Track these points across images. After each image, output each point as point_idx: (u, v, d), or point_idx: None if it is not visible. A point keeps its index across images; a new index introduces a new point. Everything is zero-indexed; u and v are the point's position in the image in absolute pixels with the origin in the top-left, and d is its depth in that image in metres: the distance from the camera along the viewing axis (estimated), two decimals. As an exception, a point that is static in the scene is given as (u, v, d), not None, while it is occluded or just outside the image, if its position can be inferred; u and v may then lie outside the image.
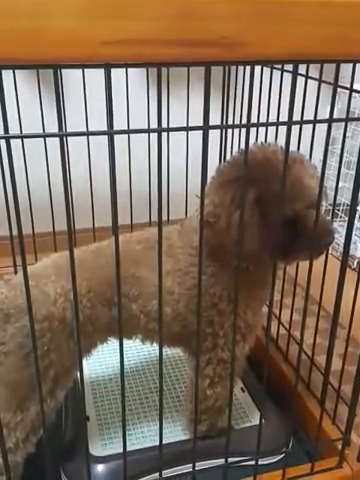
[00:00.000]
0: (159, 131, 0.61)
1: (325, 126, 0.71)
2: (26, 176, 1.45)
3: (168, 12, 0.54)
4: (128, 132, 0.64)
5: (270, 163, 0.85)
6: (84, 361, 1.01)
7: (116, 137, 0.61)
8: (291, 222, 0.85)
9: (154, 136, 0.62)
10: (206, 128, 0.63)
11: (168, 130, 0.63)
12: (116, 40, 0.53)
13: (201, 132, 0.63)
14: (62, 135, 0.58)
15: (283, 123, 0.68)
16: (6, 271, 1.64)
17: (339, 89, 0.93)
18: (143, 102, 1.37)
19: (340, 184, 1.05)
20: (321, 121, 0.75)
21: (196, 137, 0.64)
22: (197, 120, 0.65)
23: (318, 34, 0.58)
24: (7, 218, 1.28)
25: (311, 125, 1.03)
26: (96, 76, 1.10)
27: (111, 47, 0.54)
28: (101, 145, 1.34)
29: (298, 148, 1.06)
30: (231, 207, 0.83)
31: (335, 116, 0.71)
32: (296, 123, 0.69)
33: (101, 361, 1.31)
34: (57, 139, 0.58)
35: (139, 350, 1.35)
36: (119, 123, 1.49)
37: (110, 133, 0.60)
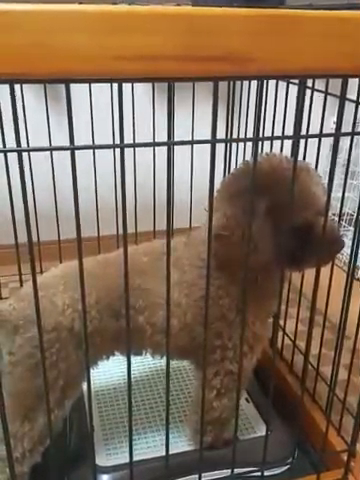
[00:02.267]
0: (169, 145, 0.62)
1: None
2: (32, 184, 1.46)
3: (179, 27, 0.54)
4: (138, 145, 0.64)
5: (277, 173, 0.86)
6: (90, 372, 1.02)
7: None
8: (300, 230, 0.85)
9: (158, 148, 0.63)
10: (214, 141, 0.63)
11: (177, 143, 0.64)
12: (128, 55, 0.54)
13: (205, 145, 0.64)
14: (72, 149, 0.59)
15: (289, 137, 0.69)
16: (11, 279, 1.65)
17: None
18: (149, 114, 1.38)
19: (346, 194, 1.06)
20: (327, 135, 0.75)
21: (199, 149, 0.65)
22: (200, 132, 0.65)
23: (328, 49, 0.59)
24: (13, 228, 1.29)
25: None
26: (100, 89, 1.12)
27: (123, 62, 0.54)
28: (101, 156, 1.36)
29: (304, 159, 1.06)
30: (244, 218, 0.83)
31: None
32: (303, 137, 0.70)
33: (106, 370, 1.31)
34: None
35: (144, 361, 1.34)
36: (125, 135, 1.52)
37: (120, 147, 0.61)
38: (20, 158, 0.58)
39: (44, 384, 0.70)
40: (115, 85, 0.58)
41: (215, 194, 0.93)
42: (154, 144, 0.65)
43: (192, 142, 0.66)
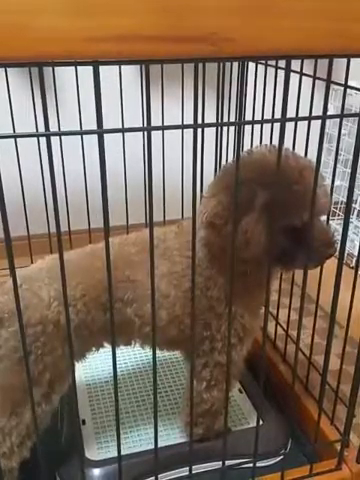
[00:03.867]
0: (149, 130, 0.60)
1: (319, 123, 0.69)
2: (20, 176, 1.44)
3: (155, 7, 0.52)
4: (119, 131, 0.62)
5: (281, 168, 0.83)
6: (79, 364, 1.00)
7: (112, 136, 0.60)
8: (296, 230, 0.83)
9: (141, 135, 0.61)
10: (196, 126, 0.61)
11: (157, 128, 0.62)
12: (102, 36, 0.52)
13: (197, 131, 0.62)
14: (48, 135, 0.57)
15: (277, 120, 0.67)
16: (3, 273, 1.63)
17: (335, 86, 0.93)
18: (138, 100, 1.36)
19: (338, 183, 1.04)
20: (315, 117, 0.73)
21: (191, 136, 0.63)
22: (191, 118, 0.63)
23: (310, 28, 0.57)
24: (2, 219, 1.27)
25: (306, 123, 1.02)
26: (90, 73, 1.09)
27: (97, 44, 0.53)
28: (96, 144, 1.34)
29: (293, 146, 1.04)
30: (240, 210, 0.80)
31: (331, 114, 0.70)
32: (290, 120, 0.67)
33: (97, 364, 1.30)
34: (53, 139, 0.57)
35: (136, 352, 1.33)
36: (115, 122, 1.48)
37: (100, 132, 0.59)
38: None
39: (27, 378, 0.69)
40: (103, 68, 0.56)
41: (214, 179, 0.91)
42: (136, 129, 0.62)
43: (175, 127, 0.64)
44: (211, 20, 0.54)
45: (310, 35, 0.58)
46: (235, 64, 1.30)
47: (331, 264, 1.03)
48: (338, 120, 0.95)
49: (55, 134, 0.60)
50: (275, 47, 0.57)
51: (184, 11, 0.53)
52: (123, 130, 0.62)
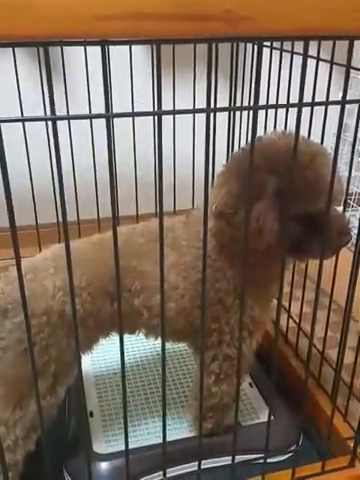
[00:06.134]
0: (159, 114, 0.57)
1: (336, 111, 0.66)
2: (28, 165, 1.41)
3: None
4: (128, 115, 0.60)
5: (291, 154, 0.80)
6: (87, 356, 0.98)
7: (121, 121, 0.57)
8: (309, 218, 0.80)
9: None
10: (209, 111, 0.58)
11: (168, 113, 0.59)
12: (112, 14, 0.49)
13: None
14: (53, 119, 0.54)
15: (293, 105, 0.64)
16: (10, 263, 1.62)
17: (353, 72, 0.89)
18: (148, 83, 1.32)
19: (352, 173, 1.00)
20: (333, 102, 0.70)
21: (203, 121, 0.60)
22: (204, 103, 0.60)
23: (332, 7, 0.53)
24: (7, 208, 1.25)
25: (323, 110, 0.99)
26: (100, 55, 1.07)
27: (107, 22, 0.50)
28: (104, 131, 1.31)
29: (309, 134, 1.01)
30: (251, 198, 0.76)
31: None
32: (306, 105, 0.64)
33: (105, 355, 1.28)
34: (62, 124, 0.55)
35: (145, 344, 1.31)
36: (125, 106, 1.45)
37: (108, 116, 0.56)
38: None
39: (32, 370, 0.66)
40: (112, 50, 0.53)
41: (222, 168, 0.88)
42: (146, 113, 0.60)
43: (187, 111, 0.60)
44: (226, -3, 0.51)
45: (330, 14, 0.54)
46: (249, 46, 1.26)
47: (343, 256, 1.00)
48: (354, 109, 0.91)
49: (61, 118, 0.57)
50: (293, 27, 0.53)
51: (197, -12, 0.50)
52: (133, 114, 0.60)
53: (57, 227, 1.48)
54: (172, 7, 0.50)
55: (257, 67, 0.61)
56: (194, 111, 0.61)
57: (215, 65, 1.16)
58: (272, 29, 0.54)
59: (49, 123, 0.59)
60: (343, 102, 0.65)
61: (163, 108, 0.56)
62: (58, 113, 0.54)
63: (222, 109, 0.65)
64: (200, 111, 0.60)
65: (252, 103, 0.61)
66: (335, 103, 0.67)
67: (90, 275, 0.86)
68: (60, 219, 1.44)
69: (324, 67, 0.97)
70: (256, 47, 0.71)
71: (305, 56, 0.60)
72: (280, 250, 0.75)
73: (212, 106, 0.84)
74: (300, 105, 0.62)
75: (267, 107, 0.69)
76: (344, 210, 1.01)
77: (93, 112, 1.34)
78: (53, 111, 0.54)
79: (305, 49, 0.60)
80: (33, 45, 0.53)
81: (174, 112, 0.60)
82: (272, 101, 1.13)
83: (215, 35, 0.53)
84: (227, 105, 1.29)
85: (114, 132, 0.57)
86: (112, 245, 0.60)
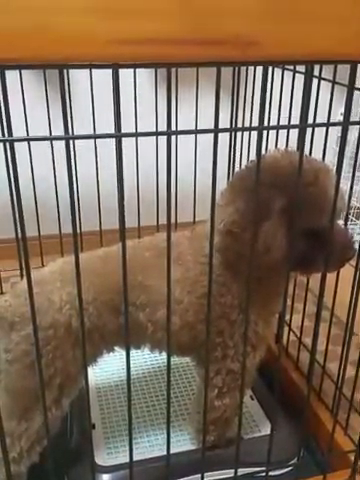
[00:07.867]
0: (169, 134, 0.59)
1: (336, 129, 0.68)
2: (32, 178, 1.43)
3: (178, 9, 0.51)
4: (136, 135, 0.61)
5: (295, 172, 0.82)
6: (90, 368, 0.99)
7: (124, 139, 0.59)
8: (314, 233, 0.82)
9: (161, 138, 0.60)
10: (217, 131, 0.60)
11: (177, 133, 0.61)
12: (124, 39, 0.51)
13: (210, 135, 0.61)
14: (68, 138, 0.56)
15: (295, 126, 0.66)
16: (12, 274, 1.62)
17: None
18: (151, 103, 1.35)
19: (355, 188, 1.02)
20: (335, 124, 0.72)
21: (204, 139, 0.62)
22: (205, 122, 0.62)
23: (337, 33, 0.55)
24: (13, 221, 1.26)
25: (323, 128, 1.01)
26: (103, 77, 1.09)
27: (119, 46, 0.51)
28: (108, 147, 1.33)
29: (310, 151, 1.03)
30: (258, 216, 0.78)
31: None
32: (310, 126, 0.67)
33: (108, 368, 1.29)
34: (64, 141, 0.56)
35: (146, 357, 1.32)
36: (127, 125, 1.47)
37: (118, 136, 0.58)
38: (12, 148, 0.55)
39: (40, 382, 0.68)
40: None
41: (227, 186, 0.90)
42: (155, 133, 0.61)
43: (195, 132, 0.63)
44: (235, 23, 0.53)
45: (335, 40, 0.56)
46: (250, 67, 1.28)
47: (344, 269, 1.01)
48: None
49: (73, 138, 0.59)
50: (301, 52, 0.55)
51: (207, 13, 0.52)
52: (142, 134, 0.61)
53: (59, 238, 1.50)
54: (183, 33, 0.52)
55: (262, 88, 0.62)
56: (202, 131, 0.63)
57: (217, 85, 1.18)
58: (279, 54, 0.56)
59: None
60: (345, 123, 0.67)
61: (164, 127, 0.58)
62: (57, 130, 0.55)
63: (227, 130, 0.66)
64: (206, 132, 0.61)
65: (254, 123, 0.63)
66: (337, 124, 0.69)
67: (96, 289, 0.87)
68: (65, 231, 1.47)
69: (325, 84, 0.99)
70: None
71: (310, 78, 0.62)
72: (286, 265, 0.77)
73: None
74: (303, 126, 0.64)
75: (272, 128, 0.71)
76: (345, 224, 1.02)
77: (94, 129, 1.37)
78: (66, 130, 0.56)
79: (311, 72, 0.62)
80: (49, 67, 0.55)
81: (183, 132, 0.62)
82: (273, 118, 1.15)
83: (224, 59, 0.55)
84: (228, 122, 1.32)
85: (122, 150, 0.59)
86: (118, 259, 0.62)
